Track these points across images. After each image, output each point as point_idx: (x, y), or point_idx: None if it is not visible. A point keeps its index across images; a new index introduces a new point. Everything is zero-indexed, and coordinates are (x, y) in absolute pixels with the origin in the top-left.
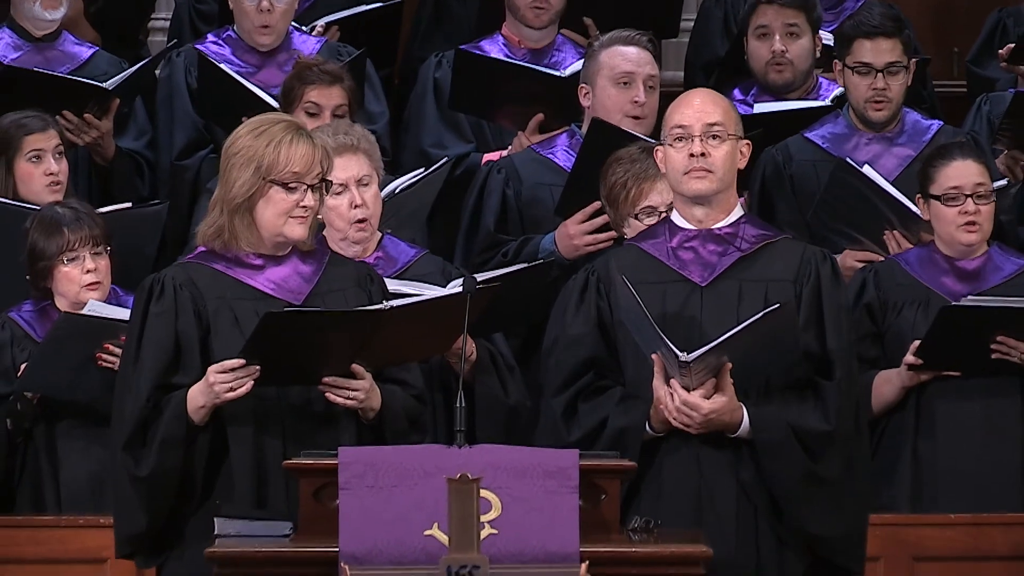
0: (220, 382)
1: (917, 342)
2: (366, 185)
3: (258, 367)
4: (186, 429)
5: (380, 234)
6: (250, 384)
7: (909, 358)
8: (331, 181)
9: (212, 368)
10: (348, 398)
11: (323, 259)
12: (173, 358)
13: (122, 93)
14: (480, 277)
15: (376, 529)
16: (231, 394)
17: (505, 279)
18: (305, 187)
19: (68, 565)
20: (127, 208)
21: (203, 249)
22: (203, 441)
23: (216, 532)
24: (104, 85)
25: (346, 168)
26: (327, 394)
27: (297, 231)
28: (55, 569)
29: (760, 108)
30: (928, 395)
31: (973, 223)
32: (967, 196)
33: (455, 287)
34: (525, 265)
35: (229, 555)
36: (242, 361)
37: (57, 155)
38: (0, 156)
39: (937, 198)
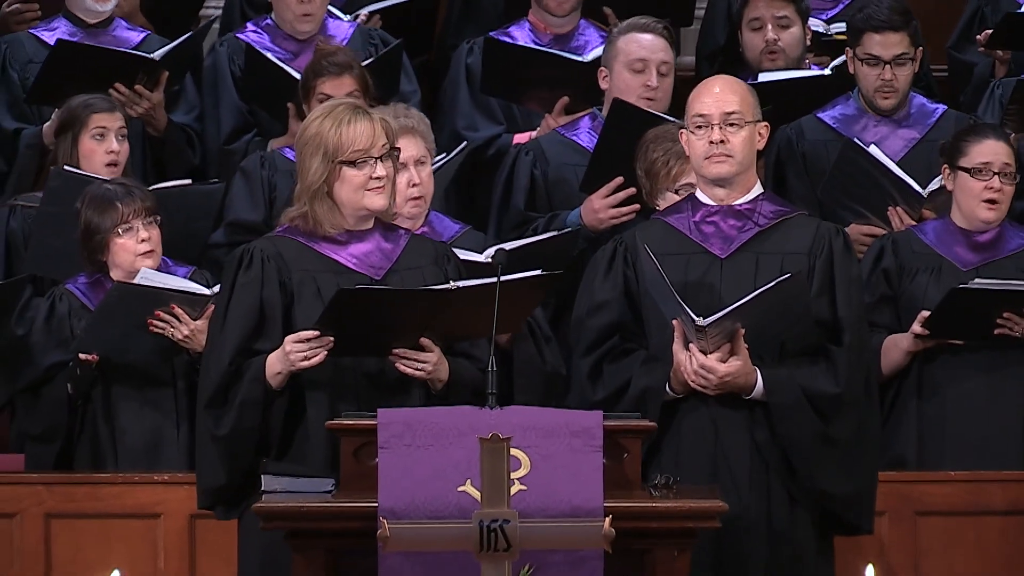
0: (296, 351)
1: (926, 313)
2: (422, 164)
3: (332, 338)
4: (264, 392)
5: (428, 210)
6: (323, 354)
7: (916, 328)
8: (399, 149)
9: (289, 338)
10: (417, 369)
11: (404, 237)
12: (257, 325)
13: (170, 65)
14: (511, 246)
15: (413, 485)
16: (305, 363)
17: (535, 247)
18: (373, 160)
19: (124, 520)
20: (187, 185)
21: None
22: (280, 404)
23: (263, 488)
24: (151, 56)
25: (406, 148)
26: (397, 364)
27: (377, 201)
28: (112, 523)
29: (764, 78)
30: (934, 365)
31: (994, 200)
32: (995, 173)
33: (487, 257)
34: (554, 233)
35: (275, 510)
36: (317, 332)
37: (120, 136)
38: (67, 132)
39: (967, 171)
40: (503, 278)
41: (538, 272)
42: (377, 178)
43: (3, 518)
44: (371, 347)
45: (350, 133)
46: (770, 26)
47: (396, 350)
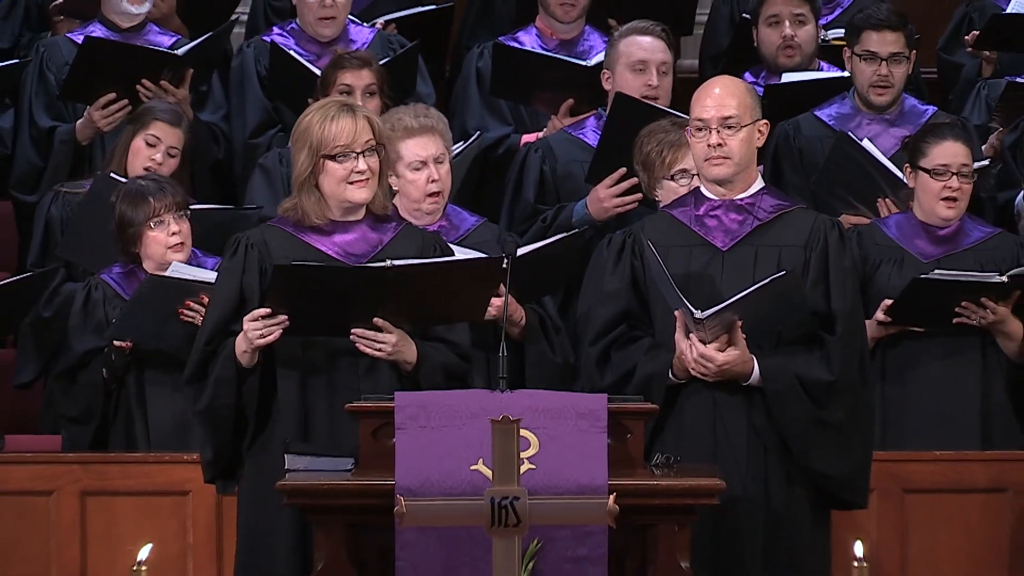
0: (252, 329)
1: (888, 301)
2: (441, 163)
3: (285, 316)
4: (235, 370)
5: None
6: (278, 332)
7: (879, 315)
8: (384, 146)
9: (245, 317)
10: (376, 349)
11: (394, 227)
12: (237, 308)
13: (193, 61)
14: (523, 250)
15: (428, 464)
16: (262, 340)
17: (545, 249)
18: (355, 155)
19: (155, 497)
20: (229, 209)
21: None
22: (252, 382)
23: (286, 467)
24: (176, 52)
25: (426, 147)
26: (356, 344)
27: (359, 195)
28: (144, 500)
29: (788, 78)
30: (897, 350)
31: (953, 198)
32: (953, 173)
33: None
34: (563, 235)
35: (298, 487)
36: (267, 310)
37: (170, 152)
38: (130, 125)
39: (927, 171)
40: (446, 259)
41: (482, 255)
42: (359, 172)
43: (41, 495)
44: (328, 327)
45: (333, 128)
46: (787, 23)
47: (355, 330)
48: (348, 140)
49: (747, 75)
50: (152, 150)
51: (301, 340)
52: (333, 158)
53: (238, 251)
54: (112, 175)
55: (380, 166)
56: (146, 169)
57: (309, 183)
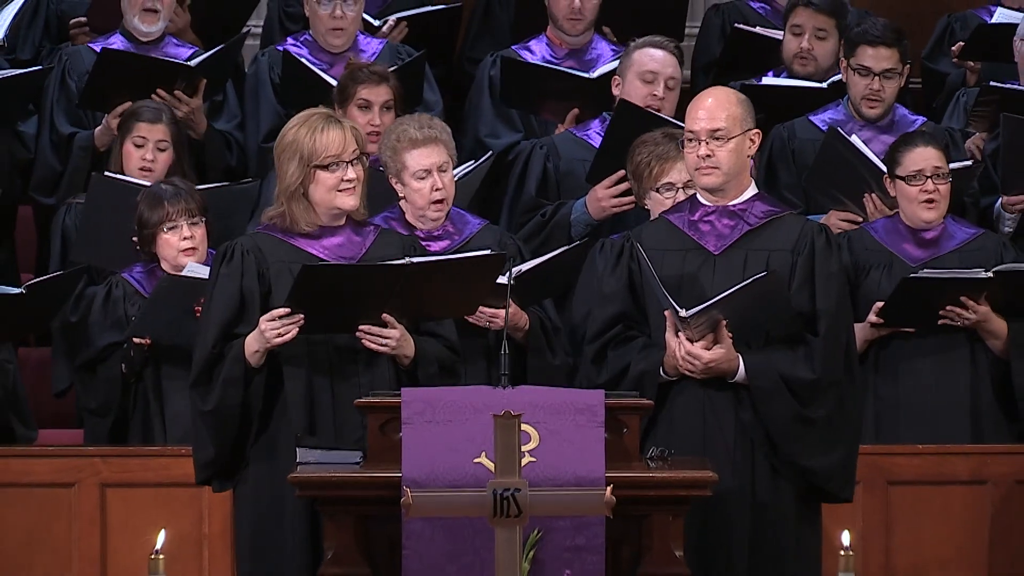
0: (270, 329)
1: (880, 304)
2: (444, 171)
3: (302, 316)
4: (244, 370)
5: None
6: (295, 331)
7: (872, 317)
8: (369, 154)
9: (263, 317)
10: (381, 345)
11: (372, 230)
12: (237, 312)
13: (207, 72)
14: (525, 267)
15: (433, 457)
16: (279, 339)
17: (545, 263)
18: (345, 163)
19: (172, 488)
20: (224, 185)
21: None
22: (259, 381)
23: (297, 460)
24: (189, 63)
25: (429, 156)
26: (362, 340)
27: (348, 202)
28: (161, 491)
29: (767, 81)
30: (890, 349)
31: (932, 200)
32: (928, 177)
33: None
34: (563, 249)
35: (309, 479)
36: (287, 310)
37: (160, 147)
38: (120, 132)
39: (903, 178)
40: (459, 255)
41: (487, 252)
42: (348, 180)
43: (63, 487)
44: (338, 324)
45: (323, 139)
46: (808, 35)
47: (361, 327)
48: (339, 150)
49: (770, 73)
50: (141, 150)
51: (306, 338)
52: (325, 167)
53: (234, 257)
54: (107, 173)
55: (363, 174)
56: (141, 170)
57: (298, 193)
